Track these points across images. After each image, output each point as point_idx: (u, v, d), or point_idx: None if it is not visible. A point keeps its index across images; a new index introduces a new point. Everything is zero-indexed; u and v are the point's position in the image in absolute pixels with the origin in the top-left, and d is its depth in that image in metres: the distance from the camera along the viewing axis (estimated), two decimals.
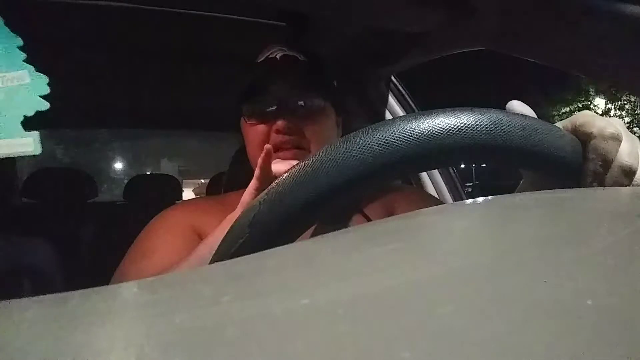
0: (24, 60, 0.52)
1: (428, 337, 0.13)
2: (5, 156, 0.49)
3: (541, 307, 0.14)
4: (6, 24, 0.51)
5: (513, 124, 0.32)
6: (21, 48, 0.51)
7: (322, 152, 0.32)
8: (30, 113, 0.51)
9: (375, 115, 1.29)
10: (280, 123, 0.67)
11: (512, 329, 0.13)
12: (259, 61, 0.73)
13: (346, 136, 0.32)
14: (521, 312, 0.14)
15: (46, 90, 0.52)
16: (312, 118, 0.70)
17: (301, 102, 0.69)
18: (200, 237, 0.71)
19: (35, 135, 0.51)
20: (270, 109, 0.69)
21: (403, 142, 0.31)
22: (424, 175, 1.31)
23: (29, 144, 0.51)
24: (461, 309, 0.15)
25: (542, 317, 0.14)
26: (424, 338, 0.13)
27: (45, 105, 0.52)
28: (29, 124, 0.51)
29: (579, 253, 0.19)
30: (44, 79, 0.52)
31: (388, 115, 1.28)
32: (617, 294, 0.15)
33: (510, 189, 0.42)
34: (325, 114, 0.72)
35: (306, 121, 0.69)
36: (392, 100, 1.28)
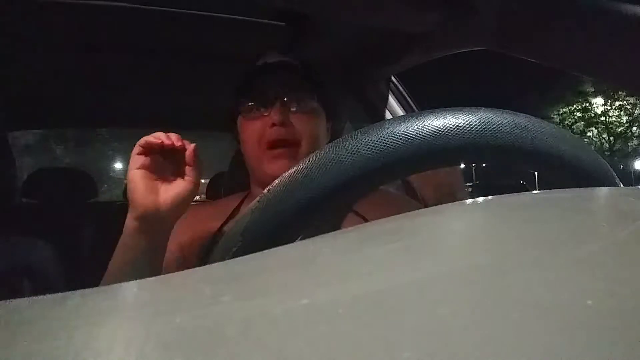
0: None
1: (428, 337, 0.13)
2: None
3: (541, 307, 0.14)
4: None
5: (504, 123, 0.32)
6: None
7: (312, 158, 0.32)
8: None
9: (375, 115, 1.29)
10: (276, 117, 0.72)
11: (512, 329, 0.13)
12: (257, 65, 0.80)
13: (335, 141, 0.32)
14: (521, 312, 0.14)
15: None
16: (305, 116, 0.76)
17: (295, 100, 0.75)
18: (183, 251, 0.74)
19: None
20: (267, 105, 0.75)
21: (392, 145, 0.31)
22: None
23: None
24: (461, 309, 0.15)
25: (542, 317, 0.14)
26: (424, 338, 0.13)
27: None
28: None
29: (579, 253, 0.19)
30: None
31: (388, 115, 1.28)
32: (617, 294, 0.15)
33: (510, 189, 0.42)
34: (317, 113, 0.78)
35: (299, 118, 0.75)
36: (392, 100, 1.28)
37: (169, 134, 0.59)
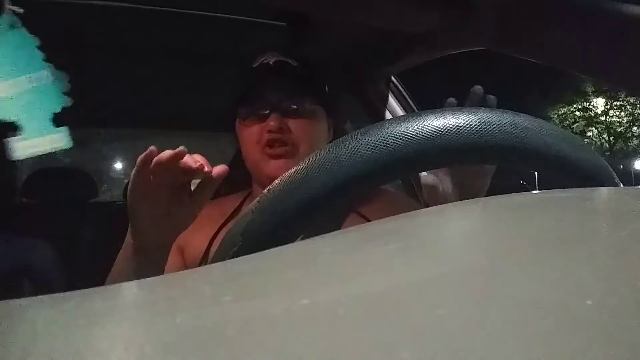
0: (43, 60, 0.54)
1: (428, 337, 0.13)
2: (37, 154, 0.51)
3: (541, 307, 0.14)
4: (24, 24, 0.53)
5: (504, 123, 0.32)
6: (39, 48, 0.53)
7: (312, 158, 0.32)
8: (57, 109, 0.54)
9: (375, 115, 1.29)
10: (272, 123, 0.71)
11: (512, 329, 0.13)
12: (254, 66, 0.77)
13: (336, 141, 0.32)
14: (521, 312, 0.14)
15: (66, 86, 0.54)
16: (302, 119, 0.73)
17: (293, 104, 0.73)
18: (183, 253, 0.74)
19: (64, 130, 0.53)
20: (264, 111, 0.73)
21: (392, 145, 0.31)
22: (424, 175, 1.31)
23: (59, 139, 0.53)
24: (461, 309, 0.15)
25: (541, 317, 0.14)
26: (424, 338, 0.13)
27: (67, 101, 0.54)
28: (56, 120, 0.53)
29: (579, 253, 0.19)
30: (63, 75, 0.54)
31: (388, 115, 1.28)
32: (617, 294, 0.15)
33: (510, 189, 0.42)
34: (315, 116, 0.76)
35: (297, 122, 0.73)
36: (392, 100, 1.28)
37: (194, 155, 0.52)
